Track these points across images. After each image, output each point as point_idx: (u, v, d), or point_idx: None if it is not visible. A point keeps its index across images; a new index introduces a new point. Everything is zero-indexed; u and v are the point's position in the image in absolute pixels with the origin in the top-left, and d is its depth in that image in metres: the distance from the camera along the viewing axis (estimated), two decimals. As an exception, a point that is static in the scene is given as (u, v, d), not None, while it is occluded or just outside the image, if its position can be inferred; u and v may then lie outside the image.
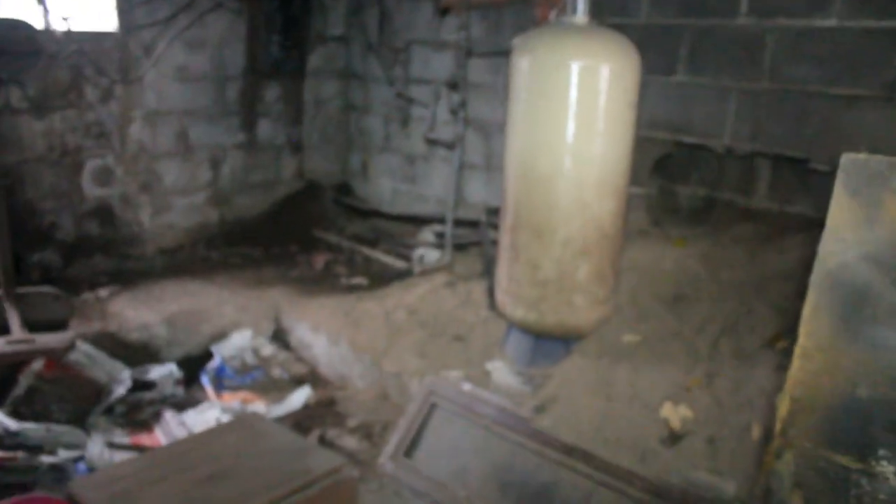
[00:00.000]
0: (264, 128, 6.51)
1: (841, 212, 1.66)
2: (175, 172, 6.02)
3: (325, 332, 4.62)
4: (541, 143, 3.40)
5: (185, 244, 6.15)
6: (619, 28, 4.43)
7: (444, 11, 5.63)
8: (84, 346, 4.33)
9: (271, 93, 6.48)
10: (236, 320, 4.97)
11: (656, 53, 4.37)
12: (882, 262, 1.60)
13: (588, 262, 3.48)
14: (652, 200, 4.58)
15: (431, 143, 5.96)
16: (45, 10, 5.07)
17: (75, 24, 5.20)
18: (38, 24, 5.04)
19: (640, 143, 4.37)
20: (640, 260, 4.15)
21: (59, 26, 5.13)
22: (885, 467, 1.60)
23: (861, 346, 1.63)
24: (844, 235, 1.65)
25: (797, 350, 1.73)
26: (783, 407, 1.75)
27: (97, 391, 4.16)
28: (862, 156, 1.62)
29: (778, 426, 1.77)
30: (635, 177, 4.37)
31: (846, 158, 1.65)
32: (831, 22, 3.77)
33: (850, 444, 1.66)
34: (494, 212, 4.42)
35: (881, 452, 1.60)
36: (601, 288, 3.56)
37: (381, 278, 5.33)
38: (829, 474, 1.69)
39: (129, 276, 5.52)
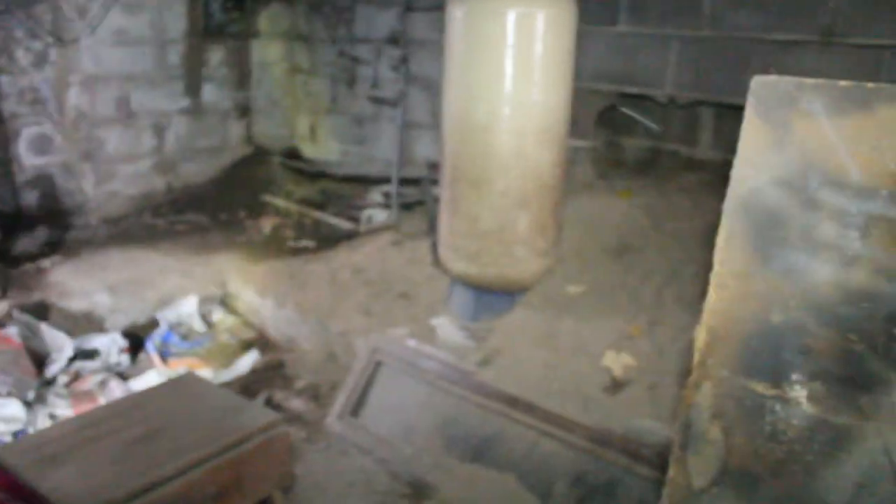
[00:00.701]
0: (209, 92, 6.37)
1: (752, 136, 1.62)
2: (117, 139, 5.88)
3: (272, 295, 4.55)
4: (477, 93, 3.34)
5: (131, 212, 6.02)
6: (561, -22, 4.39)
7: (387, -33, 5.52)
8: (23, 317, 4.22)
9: (215, 56, 6.34)
10: (183, 287, 4.87)
11: (599, 3, 4.31)
12: (792, 185, 1.57)
13: (528, 213, 3.44)
14: (597, 153, 4.55)
15: (376, 101, 5.88)
16: (-29, -28, 4.89)
17: (2, -14, 5.02)
18: (-37, -14, 4.87)
19: (584, 95, 4.33)
20: (586, 212, 4.13)
21: (-18, -11, 4.95)
22: (797, 392, 1.58)
23: (774, 270, 1.61)
24: (755, 160, 1.62)
25: (712, 279, 1.70)
26: (700, 338, 1.73)
27: (38, 362, 4.06)
28: (771, 77, 1.59)
29: (696, 358, 1.75)
30: (580, 130, 4.33)
31: (756, 81, 1.61)
32: (769, -35, 3.74)
33: (764, 371, 1.64)
34: (437, 167, 4.37)
35: (794, 377, 1.59)
36: (542, 239, 3.53)
37: (329, 240, 5.26)
38: (745, 402, 1.68)
39: (72, 246, 5.40)
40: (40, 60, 5.33)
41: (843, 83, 1.52)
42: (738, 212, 1.66)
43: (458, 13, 3.38)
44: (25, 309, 4.33)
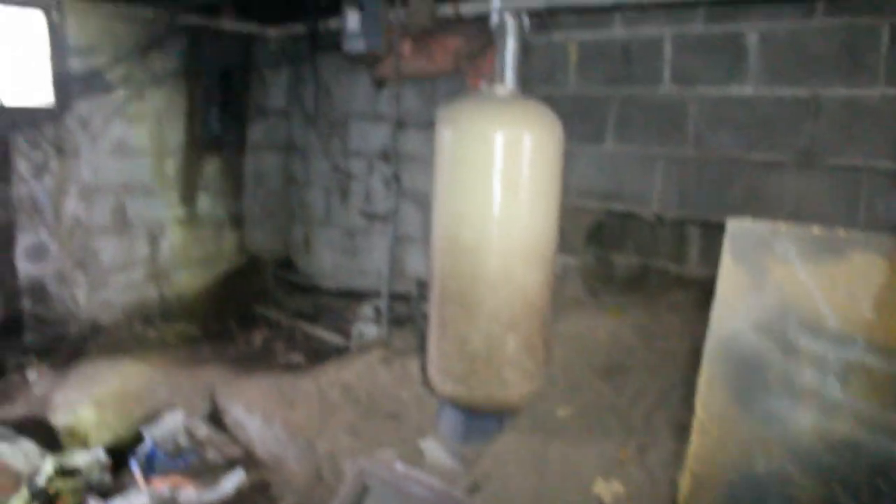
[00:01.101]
0: (204, 202, 6.44)
1: (729, 279, 1.63)
2: (112, 248, 5.91)
3: (260, 412, 4.47)
4: (465, 214, 3.36)
5: (122, 322, 5.99)
6: (548, 98, 4.49)
7: (380, 83, 5.67)
8: (3, 432, 4.14)
9: (211, 166, 6.44)
10: (170, 401, 4.80)
11: (585, 123, 4.42)
12: (771, 330, 1.56)
13: (516, 335, 3.41)
14: (587, 269, 4.56)
15: (369, 217, 5.94)
16: (-22, 87, 5.03)
17: (9, 98, 5.15)
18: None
19: (573, 213, 4.38)
20: (575, 331, 4.10)
21: (-9, 101, 5.08)
22: (783, 545, 1.53)
23: (755, 417, 1.58)
24: (734, 303, 1.62)
25: (695, 424, 1.68)
26: (685, 484, 1.69)
27: (16, 480, 3.96)
28: (746, 221, 1.61)
29: None
30: (569, 246, 4.36)
31: (732, 224, 1.63)
32: (748, 90, 3.85)
33: (750, 521, 1.59)
34: (426, 285, 4.37)
35: (780, 529, 1.54)
36: (531, 360, 3.49)
37: (320, 355, 5.22)
38: (731, 553, 1.62)
39: (62, 355, 5.35)
40: (40, 170, 5.42)
41: (816, 229, 1.53)
42: (718, 355, 1.65)
43: (446, 134, 3.44)
44: (7, 423, 4.25)
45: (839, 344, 1.47)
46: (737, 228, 1.58)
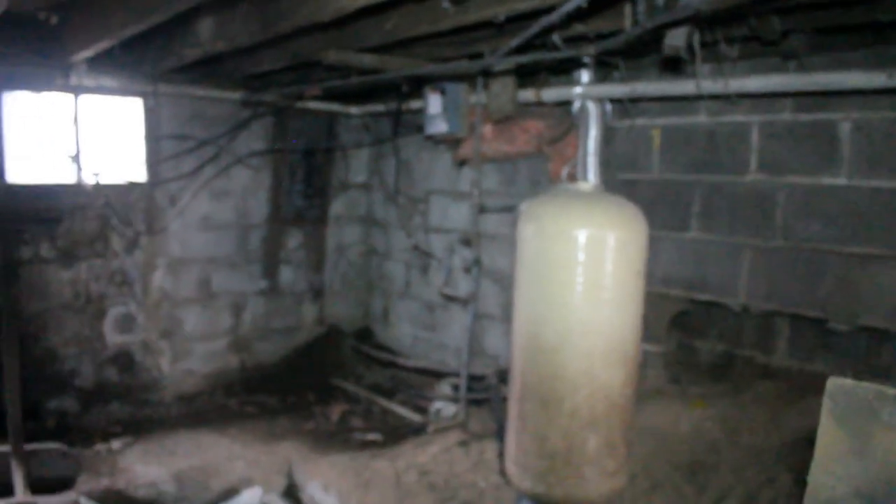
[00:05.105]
0: (286, 274, 6.58)
1: (829, 441, 1.55)
2: (196, 319, 6.08)
3: (336, 492, 4.46)
4: (546, 313, 3.32)
5: (205, 390, 6.13)
6: (631, 183, 4.45)
7: (461, 163, 5.71)
8: (88, 506, 4.24)
9: (294, 240, 6.59)
10: (247, 476, 4.85)
11: (669, 209, 4.34)
12: (873, 501, 1.47)
13: (597, 433, 3.33)
14: (670, 357, 4.45)
15: (448, 299, 5.94)
16: (79, 168, 5.29)
17: (105, 177, 5.41)
18: (71, 180, 5.26)
19: (655, 300, 4.29)
20: (656, 423, 3.99)
21: (89, 180, 5.33)
22: None
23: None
24: (834, 468, 1.54)
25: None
26: None
27: (99, 555, 4.05)
28: (848, 382, 1.53)
29: None
30: (651, 334, 4.27)
31: (832, 384, 1.55)
32: (841, 181, 3.72)
33: None
34: (505, 368, 4.32)
35: None
36: (612, 459, 3.40)
37: (397, 432, 5.21)
38: None
39: (145, 425, 5.49)
40: (131, 246, 5.64)
41: (925, 398, 1.45)
42: (817, 520, 1.57)
43: (528, 231, 3.42)
44: (91, 496, 4.35)
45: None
46: (837, 388, 1.51)
